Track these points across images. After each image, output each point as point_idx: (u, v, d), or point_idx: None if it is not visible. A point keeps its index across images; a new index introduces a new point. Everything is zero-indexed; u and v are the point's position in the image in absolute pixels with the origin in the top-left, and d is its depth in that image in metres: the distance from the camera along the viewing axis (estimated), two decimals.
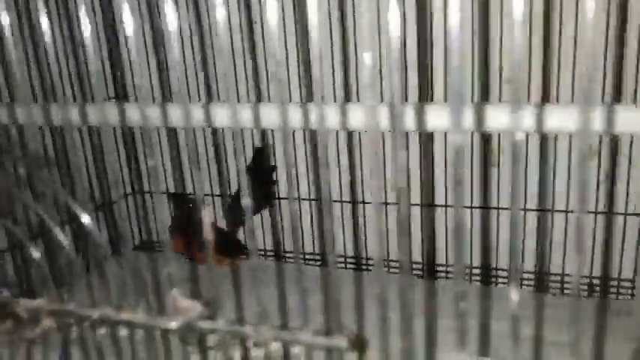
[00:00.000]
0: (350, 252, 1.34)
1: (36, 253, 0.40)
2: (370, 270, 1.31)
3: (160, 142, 1.43)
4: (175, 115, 0.80)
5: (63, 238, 0.42)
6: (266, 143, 1.35)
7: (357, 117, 0.41)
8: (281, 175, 1.33)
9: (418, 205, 1.24)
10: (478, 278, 1.24)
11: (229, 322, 0.43)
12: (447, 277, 1.27)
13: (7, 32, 0.43)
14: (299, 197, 1.33)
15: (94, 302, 0.45)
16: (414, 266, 1.28)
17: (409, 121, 0.39)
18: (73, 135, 1.16)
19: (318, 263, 1.36)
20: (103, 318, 0.43)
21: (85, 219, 0.42)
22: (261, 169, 1.32)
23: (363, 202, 1.29)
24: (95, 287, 0.45)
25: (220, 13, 0.39)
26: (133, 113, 0.66)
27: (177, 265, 1.21)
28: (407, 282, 0.39)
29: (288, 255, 1.40)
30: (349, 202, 1.29)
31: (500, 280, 1.23)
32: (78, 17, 1.31)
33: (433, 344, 0.38)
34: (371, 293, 1.04)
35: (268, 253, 1.40)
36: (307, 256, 1.37)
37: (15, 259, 1.13)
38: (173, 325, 0.43)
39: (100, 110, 0.49)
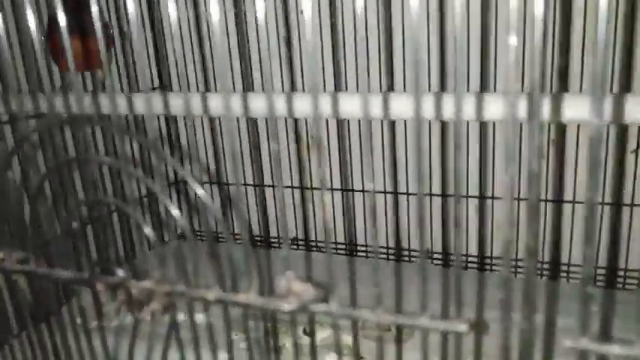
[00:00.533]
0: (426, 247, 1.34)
1: (175, 211, 0.41)
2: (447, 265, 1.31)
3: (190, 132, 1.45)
4: (216, 104, 0.81)
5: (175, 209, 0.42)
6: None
7: (493, 108, 0.41)
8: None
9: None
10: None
11: (343, 306, 0.43)
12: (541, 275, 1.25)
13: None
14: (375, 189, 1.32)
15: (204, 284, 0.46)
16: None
17: (545, 111, 0.39)
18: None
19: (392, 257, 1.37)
20: (219, 299, 0.44)
21: (200, 191, 0.43)
22: None
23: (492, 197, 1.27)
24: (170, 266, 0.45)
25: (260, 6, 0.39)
26: (176, 102, 0.67)
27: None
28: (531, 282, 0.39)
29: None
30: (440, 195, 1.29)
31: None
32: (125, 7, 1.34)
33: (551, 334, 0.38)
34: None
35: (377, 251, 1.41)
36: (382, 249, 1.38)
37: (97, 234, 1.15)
38: (287, 307, 0.44)
39: (146, 100, 0.49)
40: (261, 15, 0.40)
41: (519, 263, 1.20)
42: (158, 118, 1.40)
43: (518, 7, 0.32)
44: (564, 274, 1.22)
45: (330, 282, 0.43)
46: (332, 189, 1.36)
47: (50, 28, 1.09)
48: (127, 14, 1.32)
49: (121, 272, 0.46)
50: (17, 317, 0.71)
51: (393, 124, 1.28)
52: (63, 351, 0.57)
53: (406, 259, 1.35)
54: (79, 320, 0.54)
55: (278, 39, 1.29)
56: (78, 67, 1.14)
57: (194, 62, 1.34)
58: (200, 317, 0.48)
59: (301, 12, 1.27)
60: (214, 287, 0.45)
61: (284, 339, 1.07)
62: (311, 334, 0.46)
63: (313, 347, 0.46)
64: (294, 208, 1.38)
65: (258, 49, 1.32)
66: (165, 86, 1.46)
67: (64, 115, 0.47)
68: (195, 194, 0.43)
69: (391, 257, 1.35)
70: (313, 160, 1.37)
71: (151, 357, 0.49)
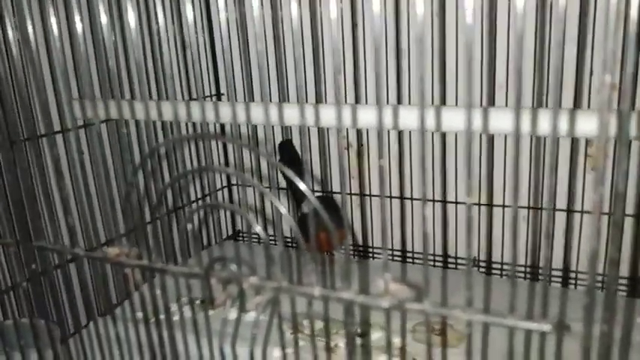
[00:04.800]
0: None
1: (307, 208, 0.46)
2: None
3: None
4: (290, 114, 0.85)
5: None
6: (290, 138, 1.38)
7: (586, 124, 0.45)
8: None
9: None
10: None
11: (435, 304, 0.48)
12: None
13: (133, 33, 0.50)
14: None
15: (304, 280, 0.51)
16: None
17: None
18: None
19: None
20: (323, 295, 0.50)
21: (312, 198, 0.48)
22: (291, 163, 1.31)
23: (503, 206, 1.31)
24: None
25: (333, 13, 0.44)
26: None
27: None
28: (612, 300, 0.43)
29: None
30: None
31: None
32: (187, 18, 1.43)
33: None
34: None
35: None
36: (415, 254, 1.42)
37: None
38: (384, 304, 0.49)
39: (200, 107, 0.54)
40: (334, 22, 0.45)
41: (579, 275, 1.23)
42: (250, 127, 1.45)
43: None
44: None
45: (424, 285, 0.48)
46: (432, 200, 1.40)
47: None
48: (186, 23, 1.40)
49: (233, 267, 0.52)
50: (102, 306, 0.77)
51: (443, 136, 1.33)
52: (168, 340, 0.63)
53: (497, 271, 1.39)
54: (187, 311, 0.60)
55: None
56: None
57: (242, 71, 1.42)
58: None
59: (355, 25, 1.33)
60: (317, 285, 0.50)
61: (337, 339, 1.12)
62: (402, 334, 0.51)
63: (403, 347, 0.51)
64: (392, 218, 1.43)
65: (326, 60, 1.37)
66: (221, 94, 1.53)
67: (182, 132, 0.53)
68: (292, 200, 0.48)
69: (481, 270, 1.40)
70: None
71: (254, 348, 0.55)
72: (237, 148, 0.48)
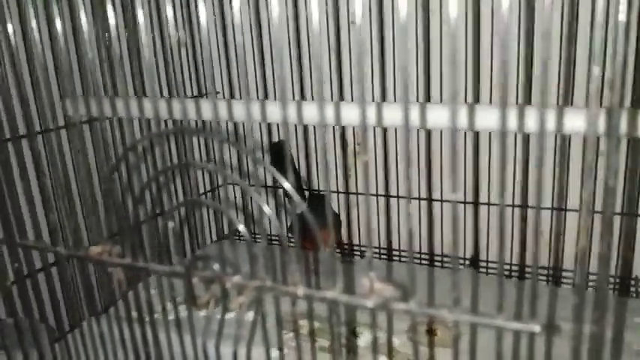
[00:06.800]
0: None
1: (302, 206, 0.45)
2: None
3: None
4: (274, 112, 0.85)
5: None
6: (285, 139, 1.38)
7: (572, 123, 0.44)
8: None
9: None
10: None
11: (422, 304, 0.47)
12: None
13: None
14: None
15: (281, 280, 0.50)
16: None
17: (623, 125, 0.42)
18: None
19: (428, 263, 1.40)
20: (307, 295, 0.48)
21: (286, 185, 0.47)
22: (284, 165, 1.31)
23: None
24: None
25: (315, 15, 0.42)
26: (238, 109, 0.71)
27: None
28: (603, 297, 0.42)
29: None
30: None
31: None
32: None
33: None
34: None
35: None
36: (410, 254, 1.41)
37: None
38: (369, 304, 0.48)
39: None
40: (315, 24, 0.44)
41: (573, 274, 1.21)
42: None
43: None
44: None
45: (410, 285, 0.47)
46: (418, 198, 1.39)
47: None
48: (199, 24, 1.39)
49: (216, 267, 0.51)
50: (90, 304, 0.76)
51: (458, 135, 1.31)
52: (151, 340, 0.62)
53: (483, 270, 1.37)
54: (171, 310, 0.58)
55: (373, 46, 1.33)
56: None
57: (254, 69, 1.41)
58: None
59: (353, 22, 1.31)
60: (301, 284, 0.49)
61: (328, 339, 1.11)
62: (389, 336, 0.50)
63: (390, 347, 0.50)
64: (378, 215, 1.42)
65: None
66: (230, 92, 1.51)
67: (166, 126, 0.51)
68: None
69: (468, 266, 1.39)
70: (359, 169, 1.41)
71: (237, 348, 0.54)
72: (219, 144, 0.47)
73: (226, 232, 1.60)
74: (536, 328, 0.44)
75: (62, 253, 0.61)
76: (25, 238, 0.65)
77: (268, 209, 0.49)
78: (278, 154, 1.30)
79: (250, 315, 0.55)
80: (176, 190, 1.26)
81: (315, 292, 0.48)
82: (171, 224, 0.53)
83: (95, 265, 0.60)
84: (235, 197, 1.50)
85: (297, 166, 1.42)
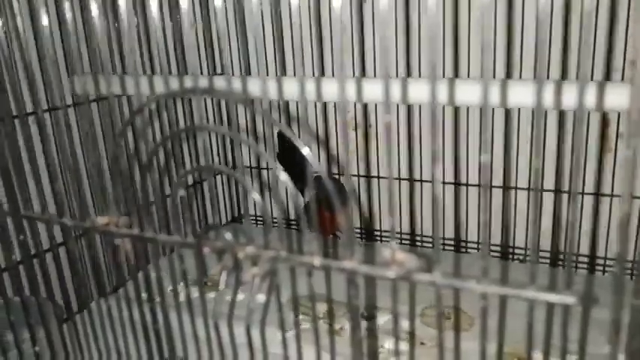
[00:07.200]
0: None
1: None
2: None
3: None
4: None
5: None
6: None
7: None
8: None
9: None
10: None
11: (447, 275, 0.44)
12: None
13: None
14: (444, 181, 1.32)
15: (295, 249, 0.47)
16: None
17: None
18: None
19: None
20: (324, 265, 0.46)
21: (306, 150, 0.44)
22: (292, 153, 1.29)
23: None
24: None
25: None
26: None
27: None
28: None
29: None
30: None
31: None
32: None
33: None
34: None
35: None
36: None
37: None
38: (391, 274, 0.45)
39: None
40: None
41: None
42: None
43: None
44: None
45: (435, 255, 0.44)
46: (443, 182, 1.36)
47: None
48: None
49: (228, 236, 0.48)
50: (98, 281, 0.74)
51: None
52: (161, 313, 0.60)
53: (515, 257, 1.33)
54: (181, 284, 0.56)
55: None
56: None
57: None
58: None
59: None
60: (318, 254, 0.46)
61: (342, 322, 1.08)
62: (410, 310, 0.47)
63: (412, 326, 0.47)
64: (400, 200, 1.39)
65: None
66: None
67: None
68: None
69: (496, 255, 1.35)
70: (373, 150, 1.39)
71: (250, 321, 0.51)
72: (233, 107, 0.44)
73: (237, 214, 1.58)
74: (572, 299, 0.40)
75: (68, 224, 0.59)
76: (31, 210, 0.63)
77: (284, 175, 0.46)
78: (283, 142, 1.27)
79: (262, 293, 0.52)
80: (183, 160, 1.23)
81: (332, 262, 0.45)
82: (181, 192, 0.51)
83: (102, 236, 0.57)
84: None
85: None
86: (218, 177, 1.52)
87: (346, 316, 1.09)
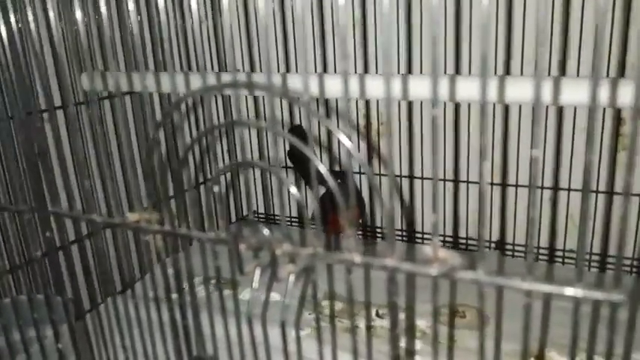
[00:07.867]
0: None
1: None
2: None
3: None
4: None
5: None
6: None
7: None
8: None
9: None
10: None
11: (490, 273, 0.43)
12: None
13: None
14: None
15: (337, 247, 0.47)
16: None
17: None
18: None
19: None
20: (366, 263, 0.45)
21: (345, 140, 0.44)
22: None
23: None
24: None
25: None
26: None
27: None
28: None
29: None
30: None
31: None
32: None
33: None
34: None
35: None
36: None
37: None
38: (433, 271, 0.44)
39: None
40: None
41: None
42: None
43: None
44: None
45: (479, 254, 0.44)
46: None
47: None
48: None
49: (265, 231, 0.47)
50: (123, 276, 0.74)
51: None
52: (190, 310, 0.59)
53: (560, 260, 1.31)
54: (213, 280, 0.55)
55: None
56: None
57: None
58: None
59: None
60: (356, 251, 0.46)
61: (358, 320, 1.08)
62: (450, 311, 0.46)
63: (452, 319, 0.47)
64: (445, 201, 1.37)
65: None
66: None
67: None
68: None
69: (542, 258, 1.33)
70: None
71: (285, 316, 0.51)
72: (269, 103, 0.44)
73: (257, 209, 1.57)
74: (619, 297, 0.40)
75: (97, 221, 0.58)
76: (59, 207, 0.63)
77: (324, 168, 0.45)
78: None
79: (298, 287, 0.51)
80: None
81: (373, 259, 0.45)
82: (216, 188, 0.50)
83: (133, 233, 0.57)
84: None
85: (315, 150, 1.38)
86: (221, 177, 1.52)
87: (362, 314, 1.08)
